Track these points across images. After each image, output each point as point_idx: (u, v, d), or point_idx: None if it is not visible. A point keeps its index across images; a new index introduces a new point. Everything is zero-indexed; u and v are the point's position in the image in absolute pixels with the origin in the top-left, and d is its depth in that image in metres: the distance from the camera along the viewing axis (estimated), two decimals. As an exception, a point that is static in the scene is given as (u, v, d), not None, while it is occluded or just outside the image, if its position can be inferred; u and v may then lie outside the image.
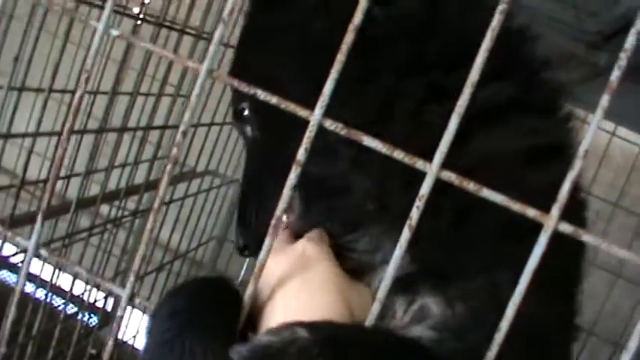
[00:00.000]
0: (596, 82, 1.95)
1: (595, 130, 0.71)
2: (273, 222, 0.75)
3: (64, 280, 2.00)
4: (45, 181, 1.71)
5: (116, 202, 2.07)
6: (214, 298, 0.87)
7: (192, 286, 0.92)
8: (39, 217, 0.85)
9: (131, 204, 2.22)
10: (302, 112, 0.73)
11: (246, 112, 1.06)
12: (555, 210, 0.71)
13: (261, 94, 0.74)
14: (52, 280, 1.85)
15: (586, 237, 0.72)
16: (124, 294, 0.80)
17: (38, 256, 0.90)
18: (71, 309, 2.17)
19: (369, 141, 0.72)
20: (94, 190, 1.95)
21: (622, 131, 2.54)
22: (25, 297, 1.88)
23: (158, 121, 2.02)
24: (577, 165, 0.71)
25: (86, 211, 1.95)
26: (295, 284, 0.86)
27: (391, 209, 0.93)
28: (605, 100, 0.71)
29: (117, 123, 1.94)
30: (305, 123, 0.72)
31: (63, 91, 1.81)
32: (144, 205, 2.26)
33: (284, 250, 0.92)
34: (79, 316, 2.08)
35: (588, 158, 2.46)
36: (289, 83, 0.95)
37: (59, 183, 1.88)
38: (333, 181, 0.97)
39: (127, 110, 1.87)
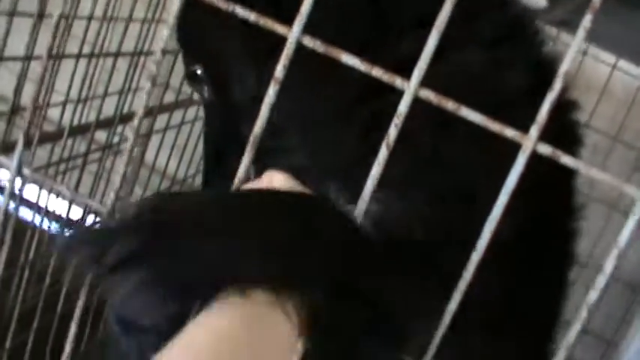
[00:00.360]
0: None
1: (576, 50, 0.70)
2: (251, 139, 0.75)
3: (63, 207, 2.01)
4: (36, 108, 1.70)
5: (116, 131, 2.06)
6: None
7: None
8: (20, 137, 0.85)
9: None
10: (280, 29, 0.72)
11: (199, 73, 1.05)
12: (534, 130, 0.71)
13: (240, 11, 0.73)
14: (46, 205, 1.86)
15: (565, 159, 0.72)
16: (105, 211, 0.80)
17: (22, 176, 0.90)
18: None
19: (347, 58, 0.72)
20: (92, 117, 1.94)
21: (624, 64, 2.51)
22: (25, 225, 1.91)
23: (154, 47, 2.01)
24: (557, 86, 0.70)
25: (84, 139, 1.94)
26: None
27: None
28: (587, 20, 0.70)
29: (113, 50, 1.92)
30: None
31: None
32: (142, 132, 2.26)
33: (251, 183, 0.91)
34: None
35: (588, 92, 2.46)
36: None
37: (56, 110, 1.87)
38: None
39: (122, 35, 1.85)
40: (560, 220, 1.03)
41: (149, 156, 2.42)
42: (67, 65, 1.79)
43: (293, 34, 0.71)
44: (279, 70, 0.72)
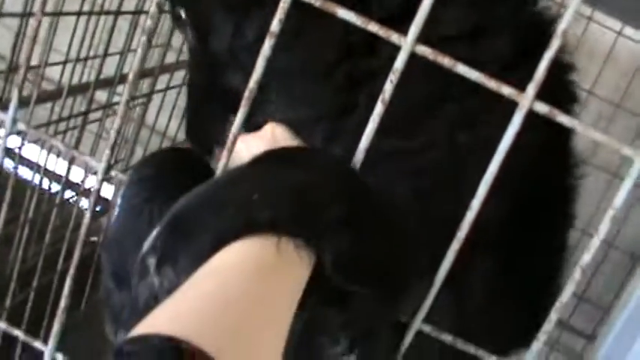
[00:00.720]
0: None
1: (574, 11, 0.69)
2: (246, 93, 0.74)
3: (61, 167, 2.01)
4: (32, 67, 1.69)
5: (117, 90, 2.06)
6: (183, 167, 0.87)
7: (162, 156, 0.92)
8: (14, 93, 0.84)
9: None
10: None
11: (182, 16, 1.00)
12: (531, 89, 0.70)
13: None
14: (45, 163, 1.86)
15: (561, 117, 0.72)
16: (100, 167, 0.80)
17: (19, 132, 0.90)
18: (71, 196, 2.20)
19: (343, 13, 0.71)
20: (93, 77, 1.94)
21: (629, 31, 2.48)
22: (24, 184, 1.91)
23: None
24: (554, 44, 0.69)
25: (85, 98, 1.94)
26: None
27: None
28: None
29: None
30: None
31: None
32: (140, 92, 2.25)
33: (253, 135, 0.91)
34: (77, 203, 2.11)
35: (592, 58, 2.43)
36: None
37: (57, 69, 1.87)
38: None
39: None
40: (557, 180, 1.03)
41: (150, 117, 2.42)
42: (67, 23, 1.79)
43: (289, -13, 0.70)
44: (275, 24, 0.71)
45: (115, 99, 2.06)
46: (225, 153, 0.77)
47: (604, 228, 0.74)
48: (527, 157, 0.77)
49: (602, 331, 2.42)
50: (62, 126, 2.02)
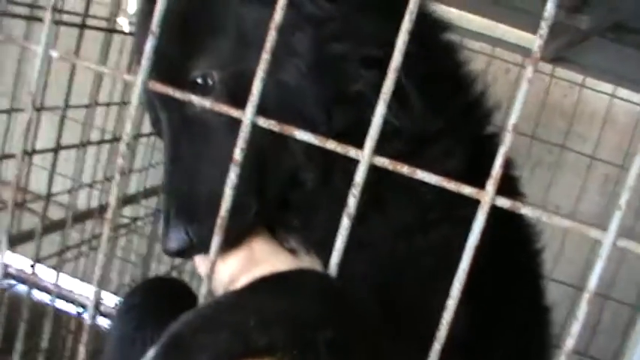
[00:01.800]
0: (585, 44, 1.95)
1: (523, 98, 0.71)
2: (219, 222, 0.77)
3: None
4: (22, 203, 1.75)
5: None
6: (169, 294, 0.90)
7: (148, 285, 0.96)
8: (10, 205, 0.87)
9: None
10: (234, 113, 0.75)
11: (206, 80, 0.96)
12: (490, 185, 0.72)
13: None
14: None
15: (525, 209, 0.73)
16: (90, 303, 0.82)
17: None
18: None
19: (301, 134, 0.74)
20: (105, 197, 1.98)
21: (624, 93, 2.51)
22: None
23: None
24: (507, 139, 0.71)
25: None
26: (245, 281, 0.88)
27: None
28: (529, 71, 0.71)
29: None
30: None
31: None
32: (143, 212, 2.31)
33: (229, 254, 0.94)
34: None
35: (591, 122, 2.46)
36: None
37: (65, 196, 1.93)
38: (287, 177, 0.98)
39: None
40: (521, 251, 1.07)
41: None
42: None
43: (247, 117, 0.74)
44: (238, 153, 0.74)
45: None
46: (205, 280, 0.79)
47: (582, 312, 0.75)
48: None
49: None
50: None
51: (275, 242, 0.94)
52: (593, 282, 0.74)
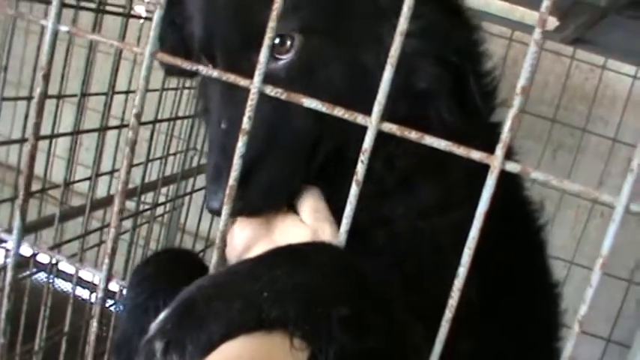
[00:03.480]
0: (604, 24, 1.92)
1: (531, 62, 0.70)
2: (228, 190, 0.77)
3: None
4: (41, 190, 1.76)
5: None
6: (182, 265, 0.91)
7: (161, 256, 0.96)
8: (17, 218, 0.87)
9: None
10: (243, 82, 0.75)
11: (284, 42, 0.94)
12: (499, 149, 0.71)
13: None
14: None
15: (535, 174, 0.72)
16: (102, 275, 0.83)
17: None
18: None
19: (309, 102, 0.74)
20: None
21: (645, 74, 2.48)
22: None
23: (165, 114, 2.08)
24: (517, 102, 0.71)
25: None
26: (260, 249, 0.88)
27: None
28: (537, 33, 0.70)
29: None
30: None
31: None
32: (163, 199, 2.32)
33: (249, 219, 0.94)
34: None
35: (613, 105, 2.43)
36: None
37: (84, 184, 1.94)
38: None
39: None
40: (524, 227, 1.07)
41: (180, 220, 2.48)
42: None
43: (255, 84, 0.74)
44: (246, 122, 0.74)
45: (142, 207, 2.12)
46: (215, 250, 0.79)
47: (596, 278, 0.74)
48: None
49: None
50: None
51: (292, 213, 0.94)
52: (606, 246, 0.73)
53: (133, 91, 1.96)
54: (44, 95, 0.84)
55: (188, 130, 2.31)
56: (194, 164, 2.33)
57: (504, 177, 0.71)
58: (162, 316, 0.74)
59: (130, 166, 0.80)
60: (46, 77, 0.84)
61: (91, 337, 0.85)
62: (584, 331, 0.75)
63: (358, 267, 0.82)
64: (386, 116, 0.73)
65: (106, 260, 0.83)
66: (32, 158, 0.86)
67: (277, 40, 0.91)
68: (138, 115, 0.78)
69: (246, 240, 0.90)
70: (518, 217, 1.09)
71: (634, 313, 2.58)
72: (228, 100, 0.93)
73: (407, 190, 1.00)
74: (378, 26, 0.94)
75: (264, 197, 0.90)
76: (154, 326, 0.74)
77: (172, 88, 2.16)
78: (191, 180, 2.30)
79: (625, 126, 2.49)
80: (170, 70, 1.09)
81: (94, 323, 0.84)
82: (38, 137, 0.87)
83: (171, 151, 2.26)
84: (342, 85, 0.93)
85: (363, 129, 0.73)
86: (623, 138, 2.48)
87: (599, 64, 2.46)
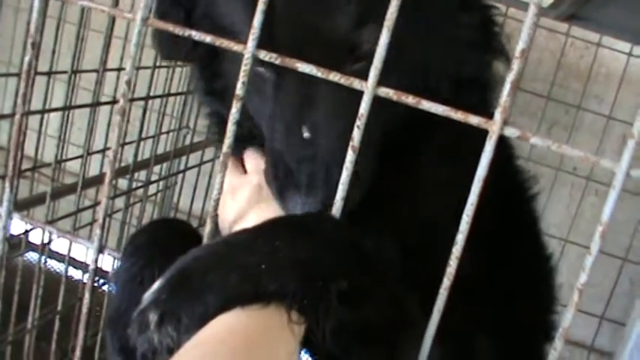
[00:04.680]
0: (599, 0, 1.91)
1: (531, 25, 0.69)
2: (222, 158, 0.76)
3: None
4: (32, 168, 1.75)
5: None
6: (175, 235, 0.90)
7: (154, 226, 0.95)
8: (9, 174, 0.86)
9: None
10: (236, 47, 0.73)
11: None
12: (498, 114, 0.70)
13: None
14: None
15: (534, 139, 0.71)
16: (93, 247, 0.82)
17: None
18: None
19: (303, 67, 0.73)
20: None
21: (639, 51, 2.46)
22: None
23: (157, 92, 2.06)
24: (515, 66, 0.69)
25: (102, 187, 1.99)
26: (253, 218, 0.87)
27: None
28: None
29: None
30: None
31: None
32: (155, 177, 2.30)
33: (239, 182, 0.93)
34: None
35: (608, 82, 2.41)
36: None
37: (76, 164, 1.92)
38: None
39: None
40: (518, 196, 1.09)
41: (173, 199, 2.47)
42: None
43: (248, 49, 0.72)
44: (239, 88, 0.73)
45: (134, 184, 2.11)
46: (208, 220, 0.78)
47: (595, 246, 0.73)
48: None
49: None
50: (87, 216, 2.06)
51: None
52: (606, 214, 0.72)
53: (125, 69, 1.94)
54: (33, 66, 0.82)
55: (180, 108, 2.29)
56: (187, 142, 2.30)
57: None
58: (156, 285, 0.72)
59: (126, 121, 0.79)
60: (35, 46, 0.82)
61: (83, 310, 0.85)
62: (579, 309, 0.74)
63: (358, 238, 0.80)
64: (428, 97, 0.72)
65: (97, 231, 0.81)
66: (20, 129, 0.85)
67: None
68: (129, 82, 0.77)
69: (239, 209, 0.89)
70: (509, 185, 1.08)
71: (628, 291, 2.58)
72: (307, 101, 0.90)
73: (414, 173, 1.00)
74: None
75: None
76: (147, 296, 0.72)
77: (165, 66, 2.13)
78: (184, 158, 2.28)
79: (620, 103, 2.47)
80: (166, 53, 1.07)
81: (87, 294, 0.82)
82: (28, 112, 0.85)
83: (164, 129, 2.24)
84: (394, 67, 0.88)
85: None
86: (617, 115, 2.46)
87: (594, 41, 2.44)
